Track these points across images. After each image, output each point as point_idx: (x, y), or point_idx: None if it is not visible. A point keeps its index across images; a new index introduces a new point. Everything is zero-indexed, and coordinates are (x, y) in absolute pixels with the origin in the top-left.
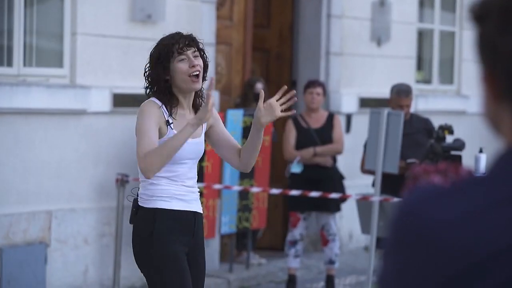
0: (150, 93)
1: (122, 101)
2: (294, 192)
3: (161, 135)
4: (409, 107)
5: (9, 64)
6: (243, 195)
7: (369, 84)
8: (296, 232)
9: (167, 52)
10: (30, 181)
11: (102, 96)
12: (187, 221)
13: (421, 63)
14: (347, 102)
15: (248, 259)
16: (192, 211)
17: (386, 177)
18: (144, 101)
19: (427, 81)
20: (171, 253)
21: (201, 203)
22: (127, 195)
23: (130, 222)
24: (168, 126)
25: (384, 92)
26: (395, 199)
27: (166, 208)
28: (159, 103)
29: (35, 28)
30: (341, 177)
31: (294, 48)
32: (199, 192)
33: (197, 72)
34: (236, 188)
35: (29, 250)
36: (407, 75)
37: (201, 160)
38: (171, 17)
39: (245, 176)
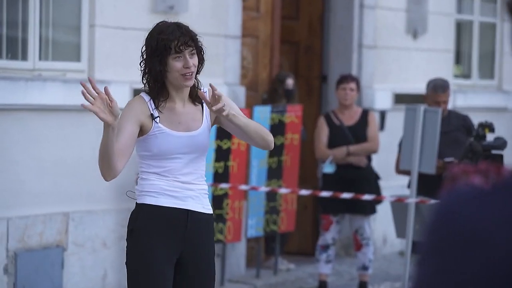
0: (144, 81)
1: None
2: (325, 194)
3: (145, 130)
4: (446, 103)
5: (24, 57)
6: (271, 196)
7: (404, 79)
8: (328, 236)
9: (165, 48)
10: (46, 181)
11: (122, 92)
12: (176, 220)
13: (460, 56)
14: (380, 98)
15: (276, 264)
16: (185, 209)
17: (422, 178)
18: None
19: (466, 75)
20: (143, 252)
21: (226, 205)
22: (127, 191)
23: None
24: (154, 120)
25: (420, 87)
26: (432, 201)
27: (152, 204)
28: (146, 98)
29: (51, 20)
30: (376, 178)
31: (324, 40)
32: (203, 190)
33: (190, 73)
34: (263, 189)
35: (45, 254)
36: (445, 69)
37: (226, 160)
38: (195, 8)
39: (273, 177)
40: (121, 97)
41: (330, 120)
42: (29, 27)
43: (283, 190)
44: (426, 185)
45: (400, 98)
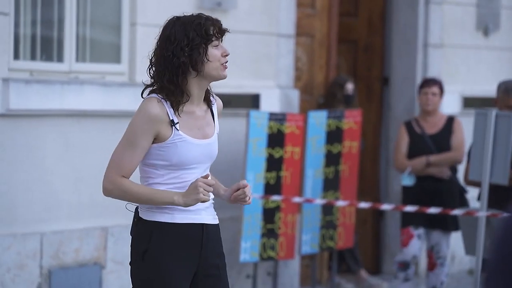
0: (155, 84)
1: None
2: (386, 206)
3: (162, 138)
4: None
5: (60, 59)
6: (327, 209)
7: (474, 80)
8: (407, 253)
9: (207, 34)
10: (83, 193)
11: None
12: (192, 236)
13: None
14: (448, 102)
15: (333, 282)
16: (200, 224)
17: (494, 189)
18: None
19: None
20: (162, 277)
21: (279, 218)
22: (126, 203)
23: (130, 234)
24: (173, 127)
25: (491, 90)
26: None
27: (167, 222)
28: (163, 101)
29: (89, 18)
30: (462, 191)
31: (386, 39)
32: (212, 199)
33: (227, 62)
34: (319, 201)
35: (82, 272)
36: None
37: (279, 170)
38: (244, 4)
39: (330, 188)
40: None
41: (411, 128)
42: (65, 26)
43: (340, 203)
44: (498, 197)
45: (469, 102)
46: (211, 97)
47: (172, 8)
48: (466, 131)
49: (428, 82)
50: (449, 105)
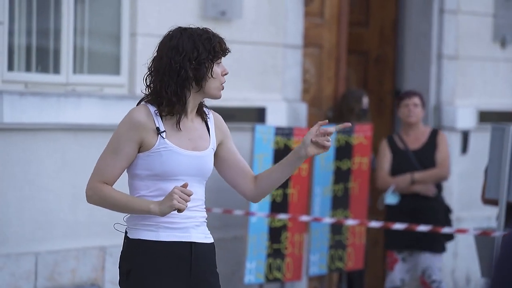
0: (154, 94)
1: None
2: (398, 226)
3: (147, 146)
4: None
5: (56, 71)
6: (336, 229)
7: (490, 94)
8: (395, 277)
9: (214, 51)
10: (80, 211)
11: None
12: (179, 256)
13: None
14: (463, 116)
15: None
16: (188, 242)
17: None
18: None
19: None
20: None
21: (285, 238)
22: (114, 223)
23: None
24: (159, 135)
25: (508, 103)
26: None
27: (151, 239)
28: (152, 109)
29: (87, 28)
30: (447, 210)
31: (398, 50)
32: (204, 217)
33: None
34: (328, 220)
35: None
36: None
37: (285, 187)
38: (250, 14)
39: (339, 206)
40: None
41: (393, 144)
42: (62, 36)
43: (350, 222)
44: None
45: (485, 116)
46: (205, 110)
47: (174, 17)
48: (482, 146)
49: (408, 93)
50: (464, 119)
